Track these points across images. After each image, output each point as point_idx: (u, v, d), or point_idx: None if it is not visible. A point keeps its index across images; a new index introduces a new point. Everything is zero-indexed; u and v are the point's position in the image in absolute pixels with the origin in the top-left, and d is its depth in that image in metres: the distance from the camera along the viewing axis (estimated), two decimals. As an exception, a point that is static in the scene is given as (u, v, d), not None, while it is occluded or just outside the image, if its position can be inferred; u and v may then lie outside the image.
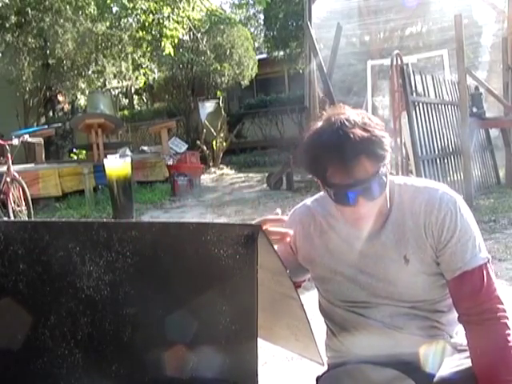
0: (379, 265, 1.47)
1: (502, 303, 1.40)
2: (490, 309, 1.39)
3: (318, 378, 1.60)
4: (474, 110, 7.84)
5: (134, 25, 11.94)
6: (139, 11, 11.41)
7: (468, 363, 1.40)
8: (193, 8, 11.55)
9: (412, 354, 1.47)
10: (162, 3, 11.24)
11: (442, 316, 1.51)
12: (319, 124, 1.38)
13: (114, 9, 11.83)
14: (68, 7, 11.51)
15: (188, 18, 11.48)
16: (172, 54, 11.98)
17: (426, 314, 1.49)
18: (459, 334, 1.53)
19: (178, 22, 11.26)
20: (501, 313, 1.39)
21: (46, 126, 12.31)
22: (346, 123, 1.32)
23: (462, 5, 9.61)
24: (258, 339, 1.14)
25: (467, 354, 1.42)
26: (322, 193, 1.54)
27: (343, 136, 1.30)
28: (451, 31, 7.42)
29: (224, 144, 13.73)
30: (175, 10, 11.27)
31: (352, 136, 1.30)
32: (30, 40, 12.02)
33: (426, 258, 1.43)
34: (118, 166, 7.01)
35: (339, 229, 1.51)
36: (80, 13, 11.72)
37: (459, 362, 1.45)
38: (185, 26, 11.66)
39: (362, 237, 1.46)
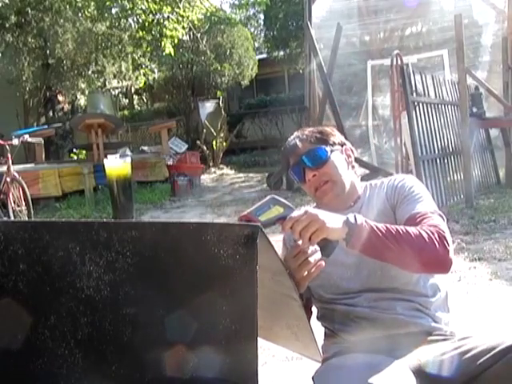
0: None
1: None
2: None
3: (313, 378, 1.61)
4: (474, 109, 7.83)
5: (133, 25, 11.94)
6: (139, 11, 11.40)
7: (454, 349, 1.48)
8: (193, 8, 11.55)
9: (399, 335, 1.54)
10: (162, 3, 11.23)
11: (426, 300, 1.60)
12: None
13: (114, 10, 11.82)
14: (68, 7, 11.51)
15: (188, 18, 11.47)
16: (172, 54, 11.98)
17: (410, 297, 1.59)
18: (444, 322, 1.61)
19: (177, 22, 11.25)
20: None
21: (46, 126, 12.32)
22: (302, 131, 1.80)
23: (462, 5, 9.61)
24: (258, 339, 1.14)
25: (455, 343, 1.50)
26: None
27: (297, 139, 1.77)
28: (451, 31, 7.42)
29: (224, 144, 13.73)
30: (175, 10, 11.27)
31: (300, 133, 1.78)
32: (29, 40, 12.02)
33: (389, 220, 1.59)
34: (118, 166, 7.02)
35: None
36: (80, 14, 11.72)
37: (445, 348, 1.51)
38: (185, 26, 11.65)
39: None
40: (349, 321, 1.61)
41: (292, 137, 1.80)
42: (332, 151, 1.73)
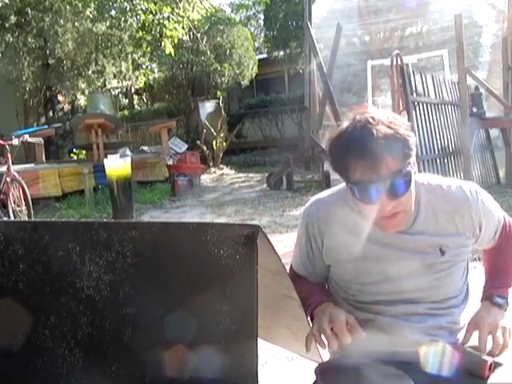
0: (410, 261, 1.49)
1: None
2: None
3: (317, 371, 1.57)
4: (474, 109, 7.83)
5: (133, 25, 11.93)
6: (139, 11, 11.40)
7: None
8: (192, 9, 11.54)
9: (414, 353, 1.46)
10: (161, 3, 11.23)
11: (454, 312, 1.56)
12: (345, 124, 1.39)
13: (114, 10, 11.82)
14: (68, 7, 11.51)
15: (188, 18, 11.46)
16: (172, 54, 11.99)
17: (442, 312, 1.53)
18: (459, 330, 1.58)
19: (177, 22, 11.25)
20: None
21: (46, 126, 12.32)
22: (370, 120, 1.33)
23: (462, 5, 9.61)
24: (258, 339, 1.14)
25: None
26: (339, 188, 1.55)
27: (367, 133, 1.31)
28: (451, 31, 7.42)
29: (224, 144, 13.73)
30: (175, 10, 11.26)
31: (375, 132, 1.30)
32: (29, 40, 12.02)
33: (462, 242, 1.51)
34: (118, 165, 7.02)
35: (364, 228, 1.48)
36: (80, 13, 11.71)
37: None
38: (185, 26, 11.64)
39: (388, 237, 1.47)
40: (367, 327, 1.51)
41: (360, 128, 1.34)
42: (411, 175, 1.38)
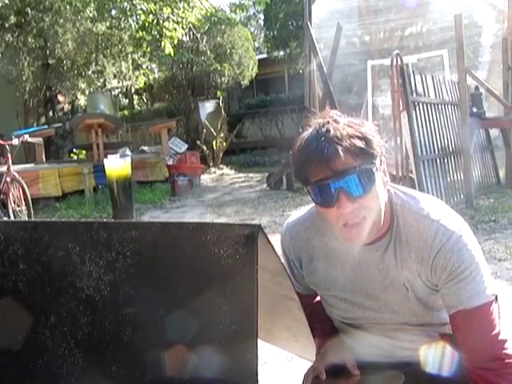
0: (383, 291, 1.40)
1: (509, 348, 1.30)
2: (494, 357, 1.29)
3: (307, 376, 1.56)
4: (474, 109, 7.83)
5: (133, 25, 11.93)
6: (139, 11, 11.40)
7: None
8: (192, 9, 11.54)
9: (410, 357, 1.45)
10: (161, 3, 11.23)
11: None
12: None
13: (114, 10, 11.81)
14: (68, 7, 11.51)
15: (187, 19, 11.45)
16: (172, 54, 11.99)
17: (435, 329, 1.44)
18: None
19: (177, 23, 11.25)
20: (508, 362, 1.28)
21: (46, 126, 12.32)
22: (329, 120, 1.27)
23: (462, 5, 9.60)
24: (258, 340, 1.14)
25: None
26: (311, 211, 1.48)
27: (324, 131, 1.25)
28: (451, 31, 7.42)
29: (224, 144, 13.73)
30: (175, 10, 11.26)
31: (332, 130, 1.24)
32: (29, 40, 12.02)
33: (425, 290, 1.36)
34: (118, 166, 7.02)
35: (338, 255, 1.43)
36: (80, 13, 11.71)
37: None
38: (184, 27, 11.63)
39: (365, 257, 1.38)
40: (354, 334, 1.52)
41: (318, 129, 1.27)
42: (377, 172, 1.27)
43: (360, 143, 1.23)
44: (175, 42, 11.58)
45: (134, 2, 11.17)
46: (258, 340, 1.14)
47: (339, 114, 1.31)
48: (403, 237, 1.34)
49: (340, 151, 1.21)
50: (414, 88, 6.70)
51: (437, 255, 1.28)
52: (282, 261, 1.46)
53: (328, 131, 1.24)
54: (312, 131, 1.27)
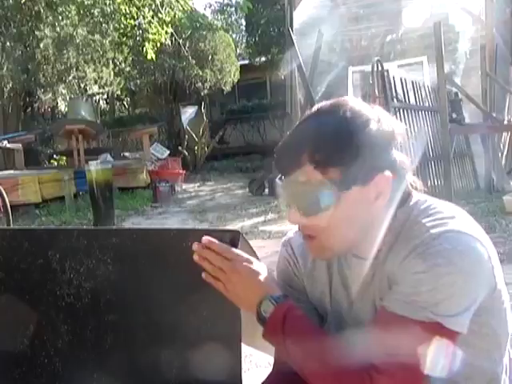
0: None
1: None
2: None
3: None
4: (454, 115, 7.93)
5: (113, 30, 11.87)
6: (120, 16, 11.34)
7: None
8: (174, 14, 11.51)
9: None
10: (142, 7, 11.18)
11: None
12: None
13: (95, 13, 11.74)
14: (48, 12, 11.42)
15: (169, 22, 11.42)
16: (154, 59, 11.96)
17: None
18: None
19: (160, 26, 11.22)
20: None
21: (26, 132, 12.19)
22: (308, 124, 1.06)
23: (439, 12, 9.75)
24: (242, 345, 1.14)
25: None
26: None
27: (303, 119, 1.07)
28: (430, 38, 7.51)
29: (206, 150, 13.72)
30: (157, 14, 11.23)
31: (311, 121, 1.04)
32: (8, 44, 11.90)
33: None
34: (98, 172, 6.97)
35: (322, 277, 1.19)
36: (60, 17, 11.62)
37: None
38: (168, 31, 11.60)
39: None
40: None
41: (296, 126, 1.07)
42: (343, 194, 1.00)
43: (331, 150, 0.99)
44: (158, 45, 11.55)
45: (115, 6, 11.11)
46: (242, 345, 1.13)
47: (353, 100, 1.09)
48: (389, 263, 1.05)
49: (301, 153, 1.00)
50: (394, 94, 6.78)
51: (407, 257, 0.99)
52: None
53: (303, 135, 1.04)
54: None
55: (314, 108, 1.07)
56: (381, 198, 1.02)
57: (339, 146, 0.99)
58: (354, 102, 1.06)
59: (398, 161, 1.05)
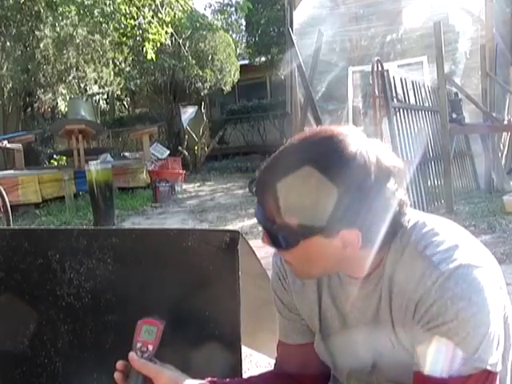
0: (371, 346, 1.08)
1: None
2: None
3: None
4: (454, 115, 7.93)
5: (113, 30, 11.86)
6: (120, 15, 11.34)
7: None
8: (174, 14, 11.51)
9: None
10: (142, 7, 11.18)
11: None
12: None
13: (95, 13, 11.73)
14: (48, 12, 11.42)
15: (169, 22, 11.42)
16: (154, 59, 11.96)
17: None
18: None
19: (160, 26, 11.21)
20: None
21: (26, 132, 12.19)
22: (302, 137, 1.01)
23: (439, 12, 9.75)
24: (242, 346, 1.14)
25: None
26: None
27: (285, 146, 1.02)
28: (431, 38, 7.51)
29: (206, 150, 13.72)
30: (157, 14, 11.23)
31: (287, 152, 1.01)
32: (9, 45, 11.90)
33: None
34: (99, 172, 6.97)
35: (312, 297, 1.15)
36: (60, 18, 11.63)
37: None
38: (168, 31, 11.60)
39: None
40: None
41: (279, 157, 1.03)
42: (302, 240, 0.96)
43: (299, 205, 0.94)
44: (158, 45, 11.55)
45: (115, 6, 11.11)
46: (242, 347, 1.13)
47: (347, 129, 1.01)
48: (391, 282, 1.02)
49: (270, 194, 0.99)
50: (394, 94, 6.77)
51: (418, 303, 0.95)
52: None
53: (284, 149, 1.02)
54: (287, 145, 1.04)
55: (298, 141, 1.00)
56: (348, 248, 0.96)
57: (302, 200, 0.93)
58: (343, 144, 0.94)
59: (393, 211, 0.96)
